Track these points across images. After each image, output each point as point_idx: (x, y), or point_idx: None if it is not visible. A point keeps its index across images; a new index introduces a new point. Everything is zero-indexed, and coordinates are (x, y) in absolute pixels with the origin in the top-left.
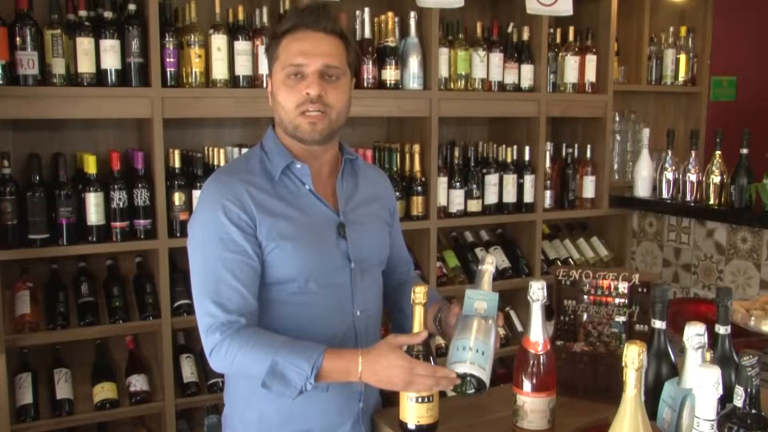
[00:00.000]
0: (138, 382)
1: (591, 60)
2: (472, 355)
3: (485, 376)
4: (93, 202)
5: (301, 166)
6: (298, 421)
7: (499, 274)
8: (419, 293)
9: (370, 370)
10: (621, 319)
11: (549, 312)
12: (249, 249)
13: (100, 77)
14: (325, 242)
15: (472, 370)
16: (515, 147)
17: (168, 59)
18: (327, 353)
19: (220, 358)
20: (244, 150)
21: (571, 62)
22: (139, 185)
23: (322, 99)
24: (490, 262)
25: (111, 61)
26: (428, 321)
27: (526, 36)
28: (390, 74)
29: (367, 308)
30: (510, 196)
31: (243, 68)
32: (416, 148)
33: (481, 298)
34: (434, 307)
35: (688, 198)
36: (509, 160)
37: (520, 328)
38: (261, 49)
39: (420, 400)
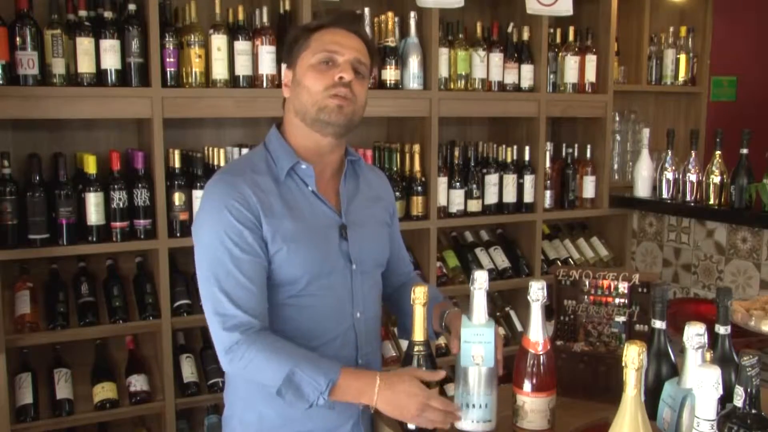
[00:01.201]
0: (138, 382)
1: (591, 60)
2: (476, 413)
3: (491, 426)
4: (93, 202)
5: (306, 166)
6: (298, 423)
7: (499, 274)
8: (419, 293)
9: (388, 393)
10: (621, 319)
11: (549, 312)
12: (258, 249)
13: (100, 77)
14: (327, 243)
15: (478, 428)
16: (515, 147)
17: (168, 59)
18: (344, 372)
19: (236, 358)
20: (245, 150)
21: (571, 62)
22: (139, 185)
23: (351, 87)
24: (480, 284)
25: (111, 61)
26: (434, 321)
27: (526, 36)
28: (390, 74)
29: (367, 310)
30: (510, 196)
31: (243, 68)
32: (416, 148)
33: (478, 340)
34: (439, 308)
35: (688, 198)
36: (509, 160)
37: (520, 328)
38: (261, 49)
39: None
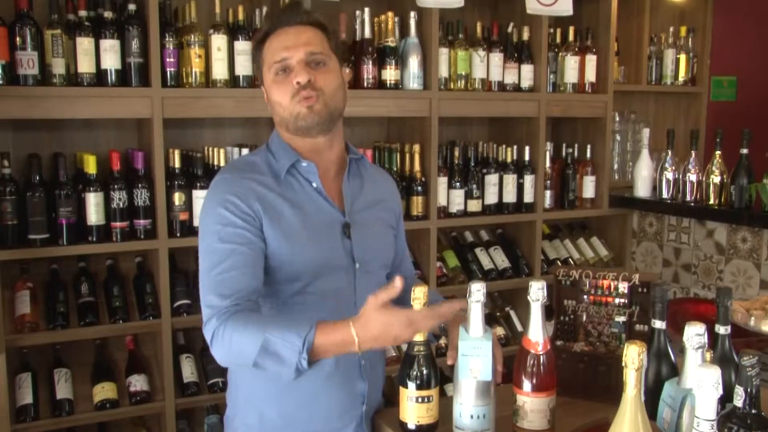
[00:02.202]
0: (138, 382)
1: (591, 60)
2: (474, 424)
3: None
4: (93, 202)
5: (307, 164)
6: (300, 424)
7: (499, 274)
8: (419, 293)
9: (368, 336)
10: (621, 319)
11: (549, 312)
12: (252, 236)
13: (100, 77)
14: (330, 241)
15: None
16: (515, 147)
17: (168, 59)
18: (320, 326)
19: (218, 345)
20: (244, 150)
21: (571, 62)
22: (139, 185)
23: (312, 84)
24: (477, 297)
25: (111, 61)
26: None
27: (526, 36)
28: (390, 74)
29: None
30: (510, 196)
31: (243, 68)
32: (416, 148)
33: (476, 354)
34: None
35: (688, 198)
36: (509, 160)
37: (520, 328)
38: None
39: (420, 400)
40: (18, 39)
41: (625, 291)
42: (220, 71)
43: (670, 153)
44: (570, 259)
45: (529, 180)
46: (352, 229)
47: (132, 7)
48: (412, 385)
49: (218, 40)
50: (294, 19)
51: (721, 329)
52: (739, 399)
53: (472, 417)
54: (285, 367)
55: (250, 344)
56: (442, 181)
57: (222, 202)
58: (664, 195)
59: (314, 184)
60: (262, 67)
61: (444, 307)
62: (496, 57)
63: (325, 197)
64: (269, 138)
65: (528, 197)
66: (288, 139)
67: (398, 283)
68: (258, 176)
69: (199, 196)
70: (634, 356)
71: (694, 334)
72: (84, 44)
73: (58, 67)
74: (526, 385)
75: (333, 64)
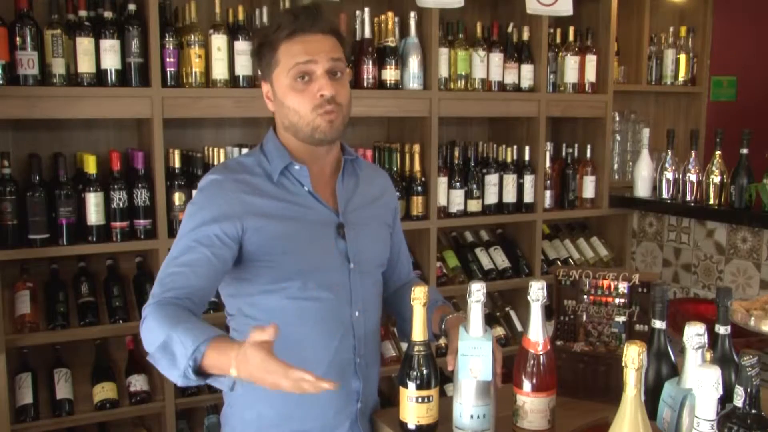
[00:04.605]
0: (138, 382)
1: (591, 60)
2: (472, 423)
3: None
4: (93, 202)
5: (299, 167)
6: (296, 422)
7: (499, 274)
8: (419, 293)
9: (244, 372)
10: (621, 319)
11: (549, 312)
12: (220, 244)
13: (100, 77)
14: (323, 242)
15: None
16: (515, 147)
17: (168, 59)
18: (212, 344)
19: (142, 330)
20: (245, 150)
21: (571, 62)
22: (139, 185)
23: (334, 99)
24: (477, 297)
25: (111, 61)
26: (433, 325)
27: (526, 36)
28: (390, 74)
29: (366, 309)
30: (510, 196)
31: (243, 68)
32: (416, 148)
33: (476, 354)
34: (438, 312)
35: (688, 198)
36: (509, 160)
37: (520, 328)
38: None
39: (420, 400)
40: (18, 39)
41: (625, 291)
42: (220, 71)
43: (670, 153)
44: (570, 259)
45: (529, 180)
46: (347, 230)
47: (132, 7)
48: (412, 385)
49: (218, 40)
50: (316, 27)
51: (721, 329)
52: (739, 399)
53: (472, 417)
54: (174, 370)
55: (156, 335)
56: (442, 181)
57: (206, 207)
58: (664, 195)
59: (306, 188)
60: (274, 68)
61: (304, 378)
62: (496, 57)
63: (318, 198)
64: (264, 139)
65: (528, 197)
66: (286, 141)
67: (272, 332)
68: (249, 177)
69: None
70: (634, 356)
71: (694, 334)
72: (84, 44)
73: (58, 67)
74: (526, 385)
75: (346, 75)
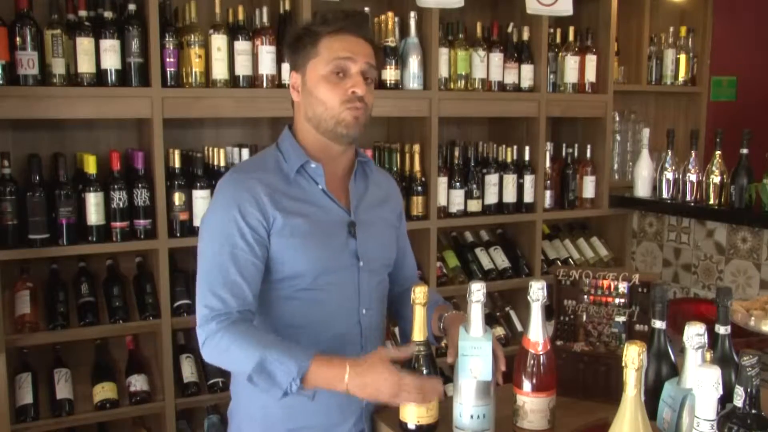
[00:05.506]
0: (138, 382)
1: (591, 60)
2: (472, 423)
3: None
4: (93, 202)
5: (315, 166)
6: (301, 417)
7: (499, 274)
8: (419, 293)
9: (358, 382)
10: (621, 319)
11: (549, 312)
12: (258, 250)
13: (100, 77)
14: (335, 240)
15: None
16: (515, 147)
17: (168, 59)
18: (316, 359)
19: (212, 348)
20: (244, 150)
21: (571, 62)
22: (139, 185)
23: (363, 98)
24: (477, 297)
25: (111, 61)
26: (433, 327)
27: (526, 36)
28: (390, 74)
29: (373, 307)
30: (510, 196)
31: (243, 68)
32: (416, 148)
33: (476, 354)
34: (437, 312)
35: (688, 198)
36: (509, 160)
37: (520, 328)
38: (261, 49)
39: None
40: (18, 39)
41: (625, 291)
42: (220, 71)
43: (670, 153)
44: (570, 259)
45: (529, 180)
46: (358, 228)
47: (132, 7)
48: None
49: (218, 40)
50: (361, 31)
51: (721, 329)
52: (739, 399)
53: (472, 417)
54: (275, 388)
55: (246, 359)
56: (442, 181)
57: (238, 207)
58: (664, 195)
59: (320, 186)
60: (311, 58)
61: (436, 388)
62: (496, 57)
63: (331, 197)
64: (280, 137)
65: (528, 197)
66: (303, 139)
67: (411, 349)
68: (265, 175)
69: (199, 196)
70: (634, 356)
71: (694, 334)
72: (84, 44)
73: (58, 67)
74: (526, 385)
75: (373, 84)
